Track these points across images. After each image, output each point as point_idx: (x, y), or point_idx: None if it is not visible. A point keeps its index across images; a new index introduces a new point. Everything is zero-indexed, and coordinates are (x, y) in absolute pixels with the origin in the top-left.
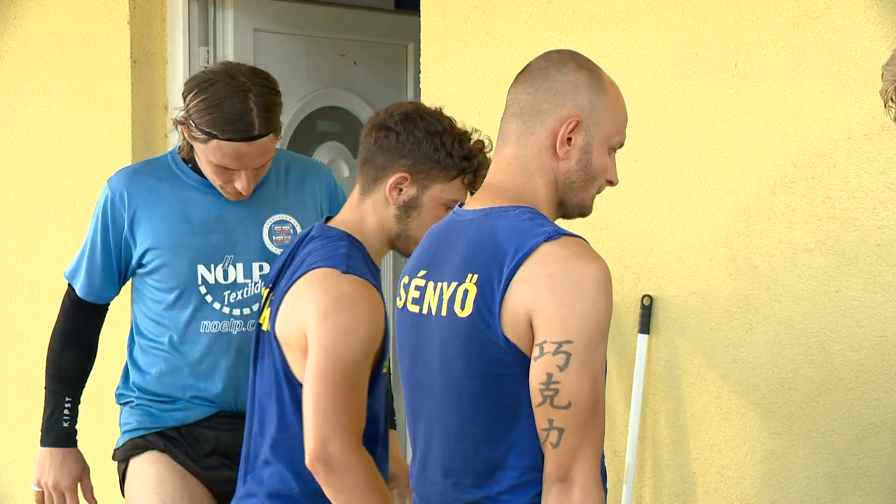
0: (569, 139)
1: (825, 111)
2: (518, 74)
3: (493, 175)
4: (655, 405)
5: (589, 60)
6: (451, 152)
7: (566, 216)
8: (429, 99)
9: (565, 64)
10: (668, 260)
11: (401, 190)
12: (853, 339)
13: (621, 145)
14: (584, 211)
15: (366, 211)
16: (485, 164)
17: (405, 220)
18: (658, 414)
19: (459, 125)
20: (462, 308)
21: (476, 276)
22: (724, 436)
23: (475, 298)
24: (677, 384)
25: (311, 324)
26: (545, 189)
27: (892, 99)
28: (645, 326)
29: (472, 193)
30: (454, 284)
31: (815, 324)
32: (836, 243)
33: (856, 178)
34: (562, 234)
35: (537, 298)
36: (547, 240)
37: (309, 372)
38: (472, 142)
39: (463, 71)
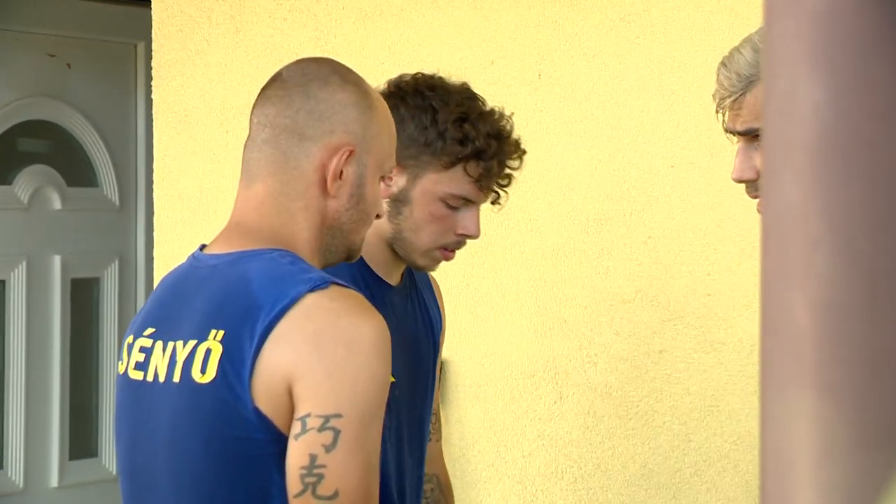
0: (340, 173)
1: (645, 133)
2: (265, 90)
3: (242, 214)
4: None
5: (351, 71)
6: (442, 133)
7: (327, 265)
8: (162, 111)
9: (327, 79)
10: (459, 314)
11: (389, 180)
12: (680, 409)
13: (392, 170)
14: (352, 255)
15: None
16: (502, 151)
17: (396, 217)
18: None
19: (480, 102)
20: (202, 372)
21: (221, 333)
22: None
23: (220, 360)
24: (471, 467)
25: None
26: (309, 234)
27: (725, 106)
28: None
29: (482, 189)
30: (192, 343)
31: (637, 390)
32: (660, 293)
33: (682, 215)
34: (331, 282)
35: (300, 361)
36: (313, 289)
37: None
38: (480, 120)
39: (205, 78)
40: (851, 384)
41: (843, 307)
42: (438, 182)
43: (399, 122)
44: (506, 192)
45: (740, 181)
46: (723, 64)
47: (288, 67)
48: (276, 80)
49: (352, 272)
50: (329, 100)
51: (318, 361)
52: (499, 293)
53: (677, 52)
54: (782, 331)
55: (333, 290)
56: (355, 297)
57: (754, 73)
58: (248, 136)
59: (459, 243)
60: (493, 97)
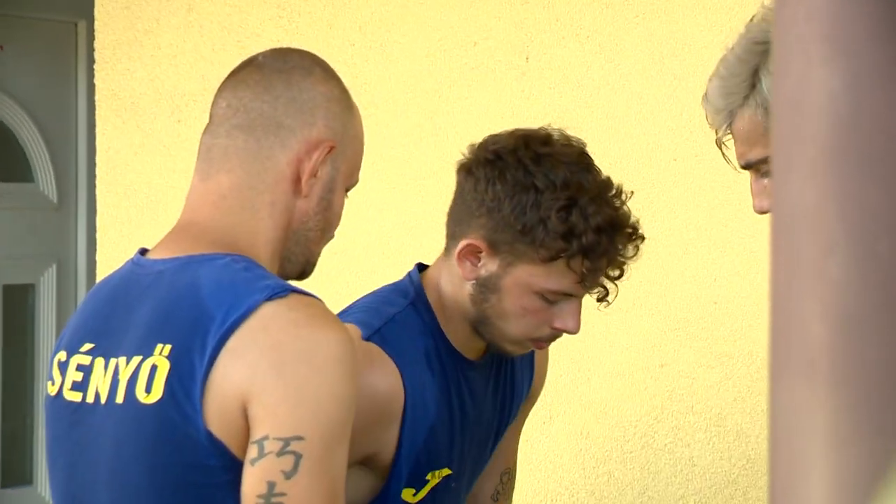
0: (316, 171)
1: (644, 122)
2: (239, 71)
3: (196, 211)
4: None
5: (331, 67)
6: (544, 221)
7: (283, 275)
8: (105, 98)
9: (311, 69)
10: None
11: (477, 261)
12: (684, 429)
13: (354, 185)
14: (307, 269)
15: (443, 274)
16: (614, 246)
17: (482, 303)
18: None
19: (594, 177)
20: (147, 392)
21: (169, 348)
22: None
23: (167, 378)
24: None
25: None
26: (273, 234)
27: (722, 143)
28: None
29: (586, 286)
30: (136, 359)
31: (635, 409)
32: (661, 301)
33: (685, 214)
34: (290, 290)
35: (256, 378)
36: (270, 298)
37: None
38: (591, 206)
39: (155, 61)
40: (869, 406)
41: (860, 318)
42: (534, 275)
43: (494, 200)
44: (616, 285)
45: (765, 212)
46: (703, 98)
47: (264, 54)
48: (250, 63)
49: (426, 343)
50: (312, 90)
51: (276, 378)
52: None
53: (681, 31)
54: (793, 344)
55: (293, 298)
56: (317, 307)
57: (731, 101)
58: (211, 122)
59: (554, 336)
60: (474, 83)
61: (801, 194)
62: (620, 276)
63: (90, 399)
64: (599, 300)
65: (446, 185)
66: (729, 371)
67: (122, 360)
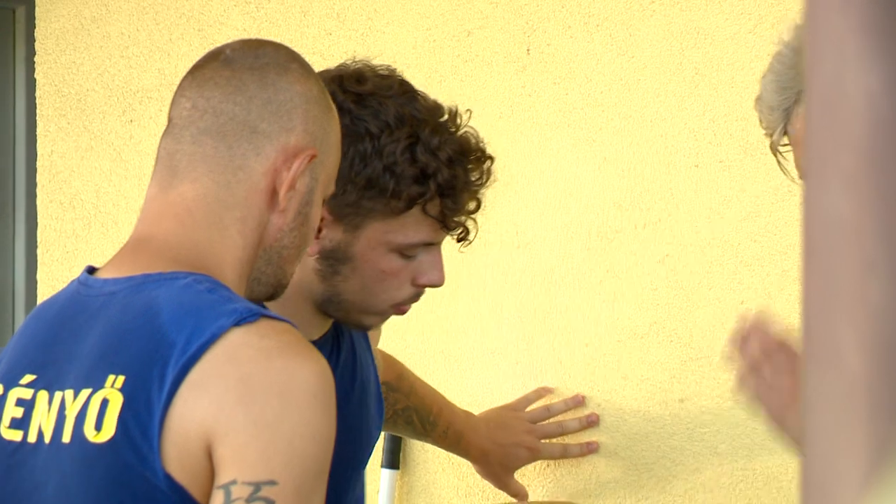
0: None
1: (662, 123)
2: (204, 67)
3: (154, 225)
4: None
5: (307, 62)
6: (390, 167)
7: (251, 298)
8: (48, 95)
9: (287, 66)
10: (426, 355)
11: (318, 233)
12: (706, 473)
13: (330, 195)
14: (278, 291)
15: None
16: (469, 173)
17: (332, 277)
18: None
19: (422, 102)
20: (97, 429)
21: (122, 379)
22: None
23: (120, 413)
24: None
25: None
26: (242, 254)
27: (777, 149)
28: (392, 458)
29: (447, 227)
30: (85, 393)
31: (651, 450)
32: (681, 326)
33: (708, 227)
34: (261, 314)
35: (222, 415)
36: (238, 323)
37: None
38: (435, 137)
39: (104, 52)
40: None
41: None
42: (389, 231)
43: None
44: (475, 220)
45: None
46: (757, 99)
47: (232, 47)
48: (216, 58)
49: None
50: (289, 90)
51: (244, 415)
52: (477, 328)
53: (704, 20)
54: (828, 376)
55: (264, 324)
56: (291, 334)
57: (786, 98)
58: (173, 124)
59: (418, 295)
60: (468, 78)
61: (835, 207)
62: (478, 207)
63: (32, 438)
64: (460, 240)
65: None
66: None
67: (69, 393)
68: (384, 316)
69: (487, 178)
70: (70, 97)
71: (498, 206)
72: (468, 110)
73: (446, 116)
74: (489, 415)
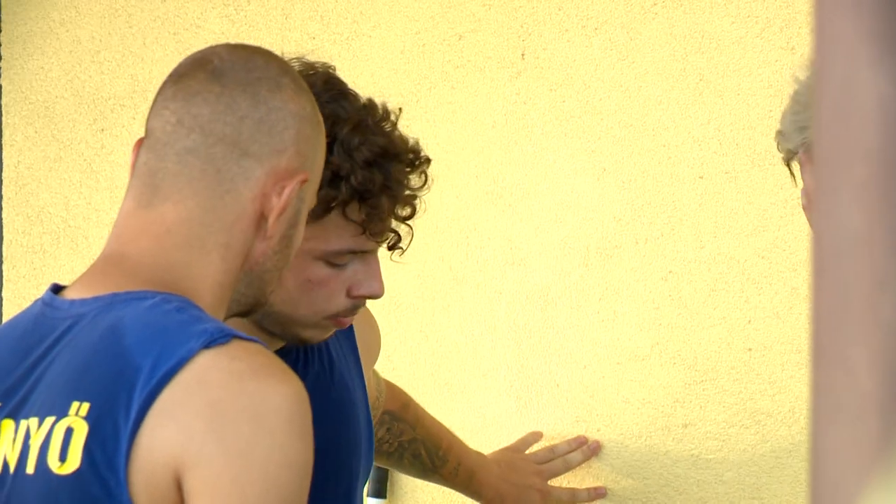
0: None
1: (664, 132)
2: (189, 77)
3: (130, 241)
4: None
5: (297, 72)
6: None
7: (225, 319)
8: (14, 103)
9: (279, 81)
10: (415, 377)
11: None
12: (712, 501)
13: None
14: (254, 310)
15: None
16: (393, 177)
17: None
18: None
19: (360, 101)
20: (62, 460)
21: (87, 406)
22: None
23: (86, 443)
24: None
25: None
26: (222, 278)
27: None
28: (379, 488)
29: (373, 235)
30: (49, 421)
31: (653, 477)
32: (684, 347)
33: (713, 242)
34: (231, 336)
35: (191, 443)
36: (209, 345)
37: None
38: (355, 137)
39: (74, 58)
40: None
41: None
42: (309, 238)
43: None
44: (409, 226)
45: None
46: (777, 134)
47: (219, 55)
48: (202, 67)
49: None
50: (282, 109)
51: (215, 443)
52: (469, 349)
53: (708, 23)
54: (839, 395)
55: (236, 345)
56: (264, 355)
57: (808, 136)
58: (154, 138)
59: (356, 307)
60: (459, 84)
61: (846, 220)
62: (412, 213)
63: None
64: (391, 249)
65: (427, 201)
66: (766, 432)
67: (34, 421)
68: (322, 328)
69: (423, 183)
70: (38, 105)
71: (491, 220)
72: (400, 108)
73: (378, 116)
74: (496, 456)
